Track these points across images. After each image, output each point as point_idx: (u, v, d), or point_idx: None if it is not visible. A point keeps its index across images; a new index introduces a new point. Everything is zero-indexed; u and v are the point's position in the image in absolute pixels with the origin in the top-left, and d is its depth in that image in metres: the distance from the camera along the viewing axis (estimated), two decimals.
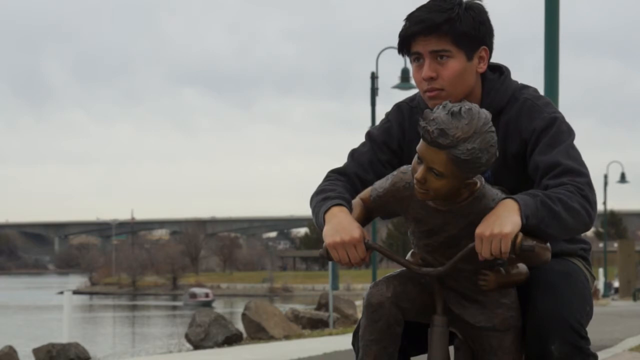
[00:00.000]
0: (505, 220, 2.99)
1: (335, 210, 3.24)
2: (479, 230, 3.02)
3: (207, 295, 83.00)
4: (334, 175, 3.46)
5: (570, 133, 3.30)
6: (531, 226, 3.02)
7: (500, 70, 3.46)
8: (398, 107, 3.55)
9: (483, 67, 3.38)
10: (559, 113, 3.34)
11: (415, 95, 3.54)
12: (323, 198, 3.33)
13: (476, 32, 3.32)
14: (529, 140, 3.30)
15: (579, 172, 3.18)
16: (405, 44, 3.36)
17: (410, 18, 3.35)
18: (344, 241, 3.15)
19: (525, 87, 3.43)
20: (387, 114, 3.56)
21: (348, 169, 3.47)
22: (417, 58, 3.36)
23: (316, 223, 3.33)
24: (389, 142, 3.49)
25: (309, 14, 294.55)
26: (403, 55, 3.42)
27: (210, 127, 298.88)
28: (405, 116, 3.50)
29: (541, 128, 3.28)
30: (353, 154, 3.51)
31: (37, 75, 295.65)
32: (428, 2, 3.36)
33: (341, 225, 3.18)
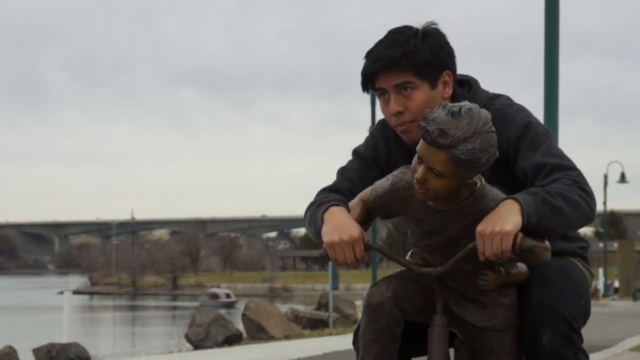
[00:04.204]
0: (506, 219, 2.99)
1: (334, 210, 3.25)
2: (479, 228, 3.02)
3: (228, 295, 78.44)
4: (326, 192, 3.46)
5: (547, 134, 3.31)
6: (533, 224, 3.02)
7: (469, 85, 3.47)
8: (382, 124, 3.57)
9: (449, 92, 3.40)
10: (533, 117, 3.35)
11: None
12: (319, 204, 3.34)
13: (436, 59, 3.34)
14: (509, 150, 3.31)
15: (568, 166, 3.20)
16: (368, 82, 3.39)
17: (369, 56, 3.38)
18: (342, 240, 3.15)
19: (496, 97, 3.44)
20: (372, 131, 3.59)
21: (339, 185, 3.48)
22: (382, 93, 3.38)
23: (314, 230, 3.31)
24: (376, 159, 3.51)
25: (309, 14, 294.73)
26: (368, 92, 3.44)
27: (209, 127, 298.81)
28: (390, 132, 3.52)
29: (517, 135, 3.30)
30: (342, 171, 3.53)
31: (36, 75, 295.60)
32: (385, 37, 3.38)
33: (340, 225, 3.18)
